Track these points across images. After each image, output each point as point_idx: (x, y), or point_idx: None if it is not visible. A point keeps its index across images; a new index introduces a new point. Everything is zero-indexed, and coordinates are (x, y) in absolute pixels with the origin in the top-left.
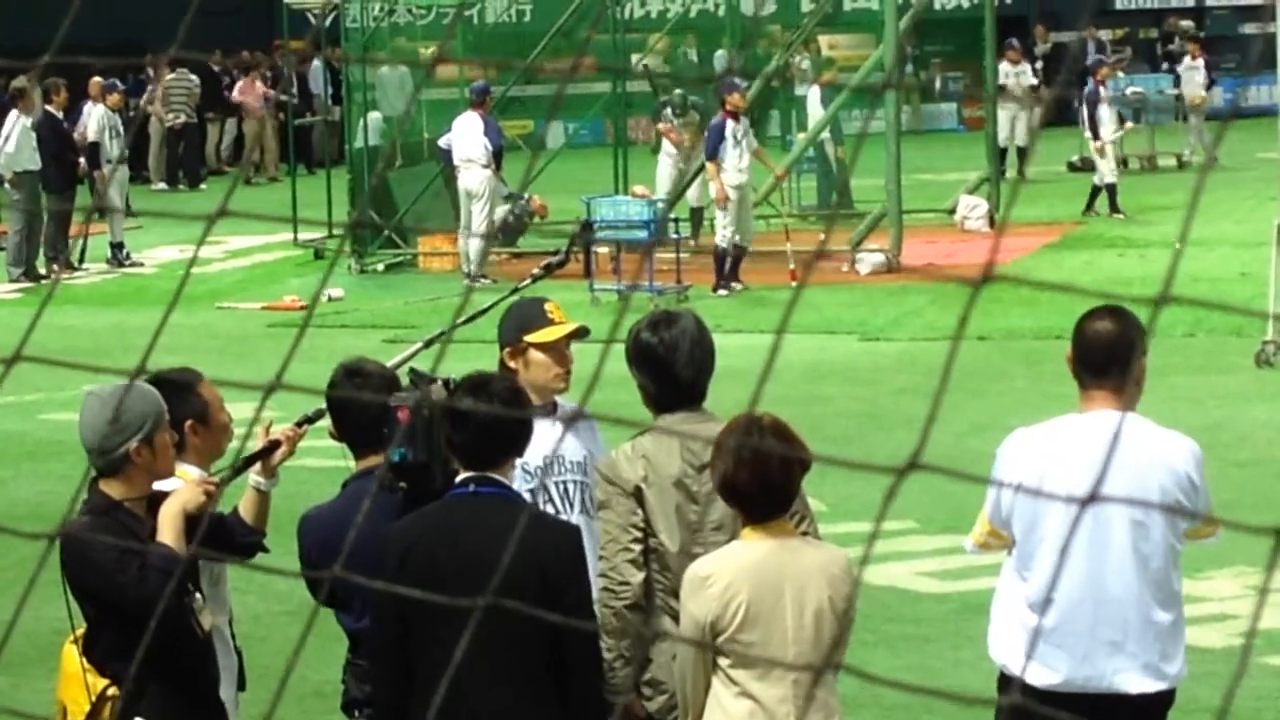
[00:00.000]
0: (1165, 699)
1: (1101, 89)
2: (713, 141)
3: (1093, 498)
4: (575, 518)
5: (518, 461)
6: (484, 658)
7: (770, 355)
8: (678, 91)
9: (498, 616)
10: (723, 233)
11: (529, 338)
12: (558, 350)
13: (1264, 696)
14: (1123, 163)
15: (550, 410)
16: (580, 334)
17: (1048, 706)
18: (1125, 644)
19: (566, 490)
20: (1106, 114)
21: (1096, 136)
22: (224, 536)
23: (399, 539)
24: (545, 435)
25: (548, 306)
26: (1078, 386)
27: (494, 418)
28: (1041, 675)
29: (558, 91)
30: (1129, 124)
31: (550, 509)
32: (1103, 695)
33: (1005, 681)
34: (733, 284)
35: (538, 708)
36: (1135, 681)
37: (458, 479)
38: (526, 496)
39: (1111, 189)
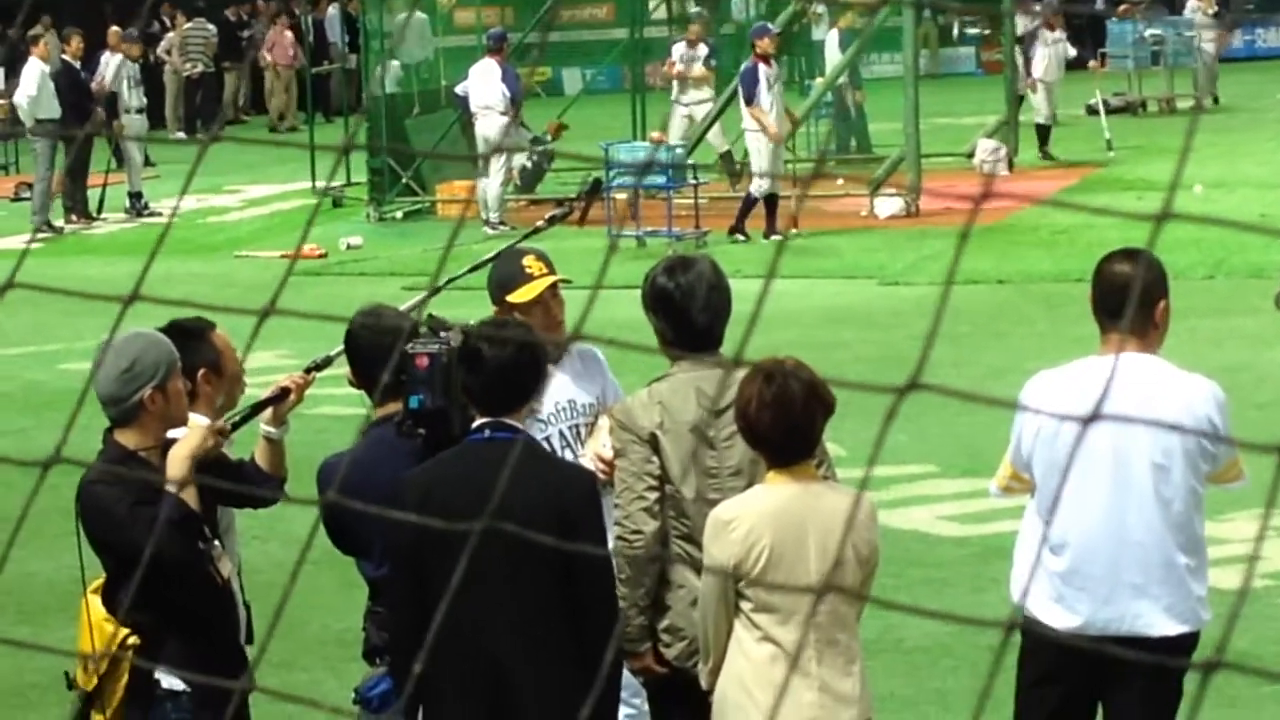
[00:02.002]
0: (1188, 641)
1: (1045, 31)
2: (749, 86)
3: (1095, 416)
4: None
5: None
6: (498, 600)
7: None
8: (695, 10)
9: (512, 559)
10: (758, 182)
11: (509, 297)
12: (541, 304)
13: None
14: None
15: (560, 356)
16: (557, 285)
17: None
18: (1148, 587)
19: (579, 433)
20: (1040, 54)
21: (1029, 74)
22: (242, 484)
23: (417, 485)
24: (556, 384)
25: (525, 261)
26: (1098, 329)
27: (509, 363)
28: (1063, 618)
29: (542, 38)
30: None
31: (569, 455)
32: (1124, 638)
33: (1027, 624)
34: (774, 233)
35: (551, 650)
36: (1158, 624)
37: (474, 425)
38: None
39: (1043, 130)
